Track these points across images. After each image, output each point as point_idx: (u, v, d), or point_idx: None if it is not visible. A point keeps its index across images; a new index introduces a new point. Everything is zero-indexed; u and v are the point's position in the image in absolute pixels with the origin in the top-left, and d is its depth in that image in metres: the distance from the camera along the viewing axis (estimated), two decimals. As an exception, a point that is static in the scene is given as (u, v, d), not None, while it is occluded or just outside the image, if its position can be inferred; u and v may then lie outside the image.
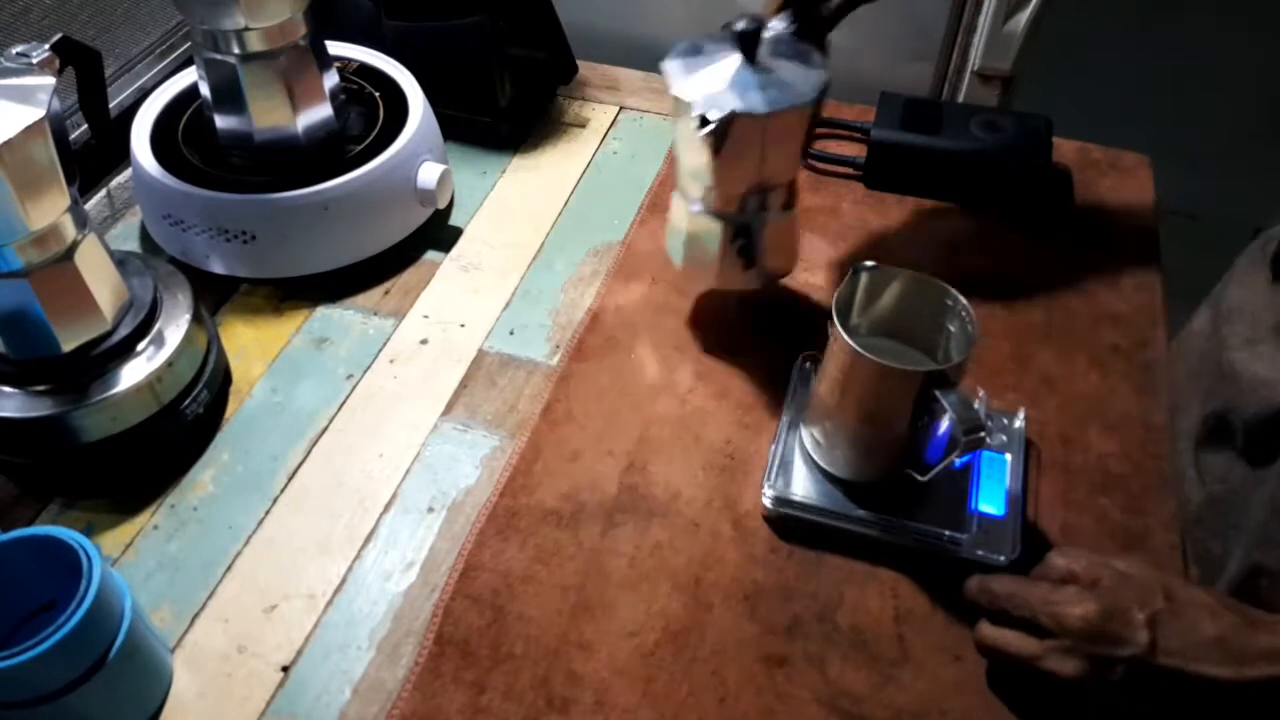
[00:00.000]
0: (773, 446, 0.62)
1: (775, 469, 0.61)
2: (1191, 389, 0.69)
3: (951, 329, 0.57)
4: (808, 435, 0.61)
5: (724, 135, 0.57)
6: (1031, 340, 0.70)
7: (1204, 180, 1.13)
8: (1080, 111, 0.86)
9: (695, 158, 0.61)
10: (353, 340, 0.71)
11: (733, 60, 0.59)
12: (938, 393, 0.52)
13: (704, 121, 0.57)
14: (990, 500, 0.59)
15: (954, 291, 0.56)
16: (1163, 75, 1.15)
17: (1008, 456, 0.61)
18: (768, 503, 0.59)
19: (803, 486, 0.60)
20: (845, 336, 0.53)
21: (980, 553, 0.56)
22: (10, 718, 0.47)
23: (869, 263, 0.57)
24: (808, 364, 0.67)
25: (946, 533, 0.57)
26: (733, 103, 0.57)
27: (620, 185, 0.84)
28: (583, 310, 0.73)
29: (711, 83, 0.59)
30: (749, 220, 0.64)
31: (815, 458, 0.61)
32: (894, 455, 0.58)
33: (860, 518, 0.58)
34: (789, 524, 0.59)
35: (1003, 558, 0.56)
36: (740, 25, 0.59)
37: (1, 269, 0.56)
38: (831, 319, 0.54)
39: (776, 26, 0.62)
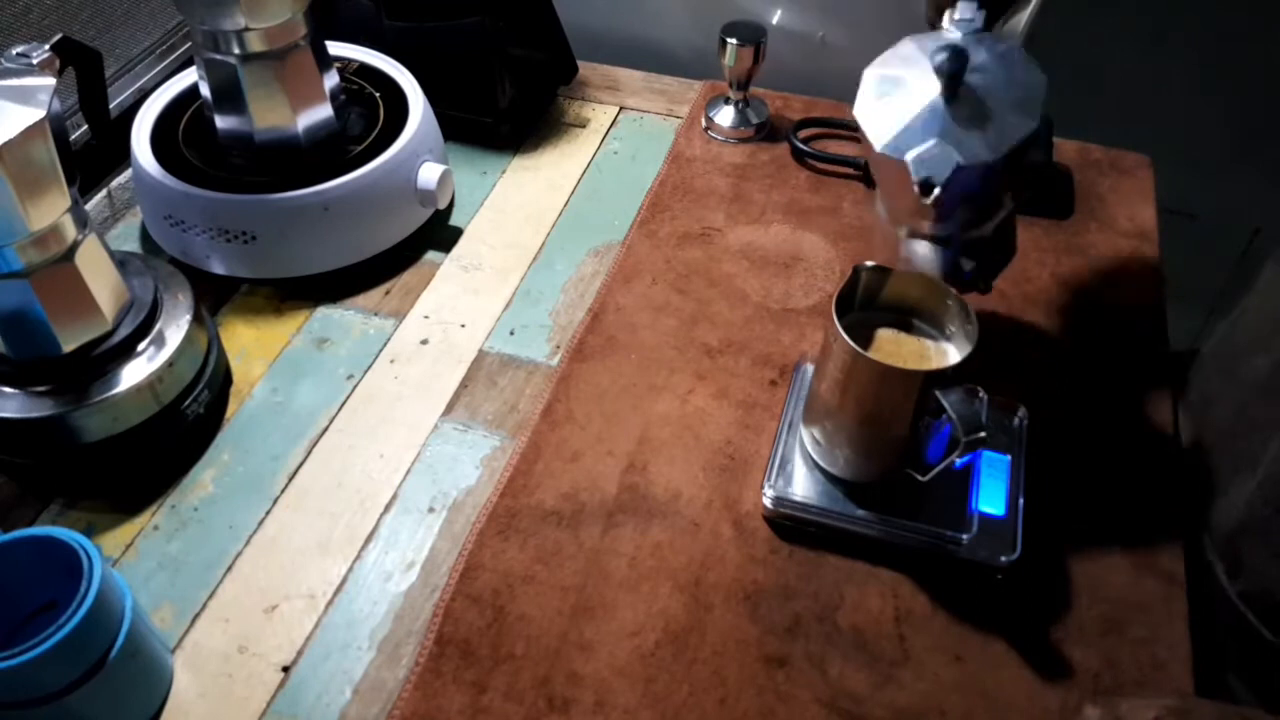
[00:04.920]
0: (773, 446, 0.62)
1: (775, 469, 0.61)
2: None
3: (951, 329, 0.57)
4: (808, 435, 0.61)
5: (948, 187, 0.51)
6: (1031, 340, 0.70)
7: (1204, 180, 1.13)
8: (1080, 111, 0.86)
9: (906, 201, 0.54)
10: (353, 340, 0.71)
11: (931, 92, 0.52)
12: (938, 393, 0.52)
13: (928, 187, 0.50)
14: (990, 500, 0.59)
15: (954, 291, 0.56)
16: (1163, 75, 1.15)
17: (1008, 456, 0.61)
18: (768, 503, 0.59)
19: (803, 486, 0.60)
20: (845, 336, 0.53)
21: (981, 553, 0.56)
22: (10, 718, 0.47)
23: (869, 262, 0.57)
24: (808, 364, 0.67)
25: (947, 533, 0.57)
26: (952, 158, 0.50)
27: (620, 185, 0.84)
28: (583, 310, 0.73)
29: (916, 130, 0.51)
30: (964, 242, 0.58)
31: (815, 458, 0.61)
32: (894, 455, 0.58)
33: (860, 518, 0.58)
34: (789, 524, 0.59)
35: (1003, 558, 0.56)
36: (941, 60, 0.50)
37: (2, 269, 0.56)
38: (832, 318, 0.54)
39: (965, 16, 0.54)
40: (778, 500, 0.59)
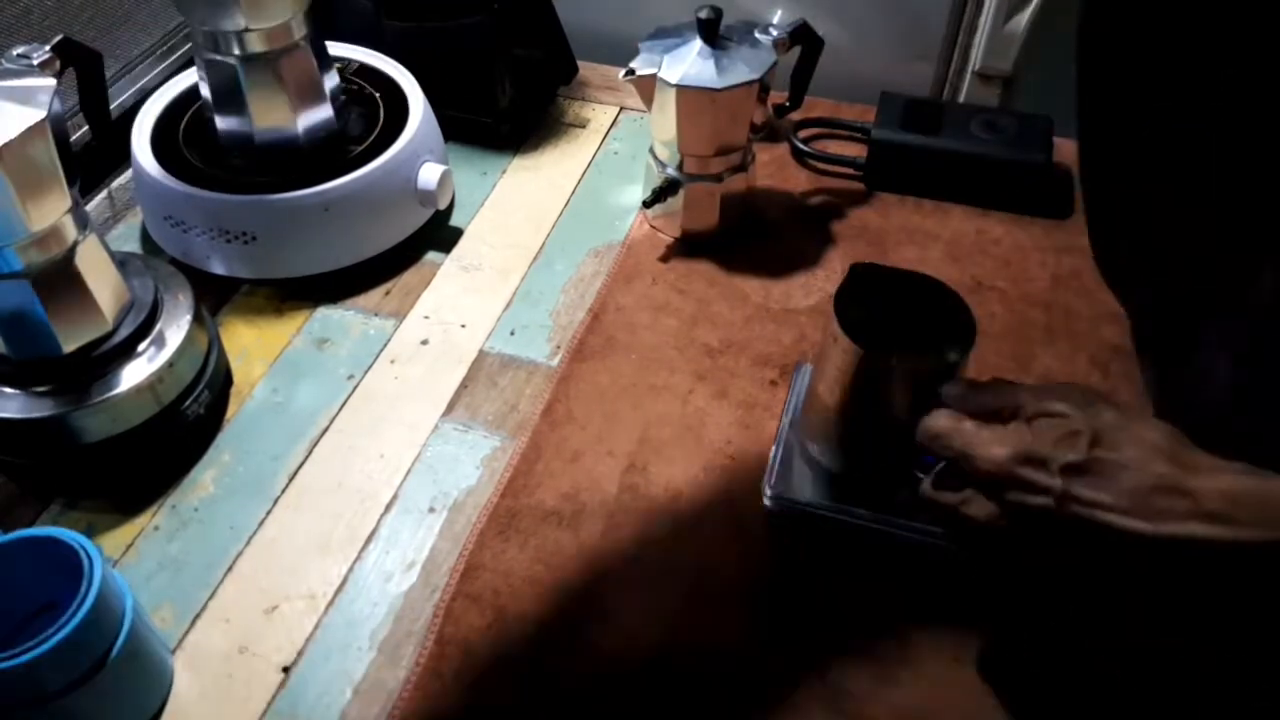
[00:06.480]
0: (773, 446, 0.62)
1: (775, 469, 0.61)
2: None
3: (951, 329, 0.57)
4: (808, 435, 0.61)
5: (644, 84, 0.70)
6: (1031, 340, 0.70)
7: (1205, 180, 1.13)
8: (1080, 111, 0.86)
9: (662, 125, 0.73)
10: (353, 341, 0.71)
11: (696, 44, 0.70)
12: (938, 390, 0.52)
13: (629, 71, 0.70)
14: (990, 500, 0.59)
15: (954, 291, 0.56)
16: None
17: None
18: (768, 503, 0.59)
19: (803, 486, 0.60)
20: (845, 335, 0.53)
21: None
22: (10, 718, 0.47)
23: (868, 262, 0.57)
24: (808, 364, 0.67)
25: (947, 532, 0.57)
26: (682, 70, 0.69)
27: (620, 185, 0.84)
28: (583, 310, 0.73)
29: (674, 59, 0.70)
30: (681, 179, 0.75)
31: (815, 457, 0.61)
32: (894, 454, 0.58)
33: (860, 517, 0.58)
34: (789, 524, 0.59)
35: (1003, 557, 0.56)
36: (702, 13, 0.68)
37: (2, 270, 0.56)
38: (831, 318, 0.54)
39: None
40: (778, 500, 0.59)
